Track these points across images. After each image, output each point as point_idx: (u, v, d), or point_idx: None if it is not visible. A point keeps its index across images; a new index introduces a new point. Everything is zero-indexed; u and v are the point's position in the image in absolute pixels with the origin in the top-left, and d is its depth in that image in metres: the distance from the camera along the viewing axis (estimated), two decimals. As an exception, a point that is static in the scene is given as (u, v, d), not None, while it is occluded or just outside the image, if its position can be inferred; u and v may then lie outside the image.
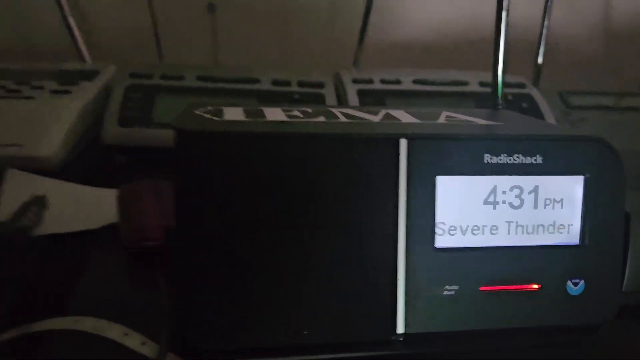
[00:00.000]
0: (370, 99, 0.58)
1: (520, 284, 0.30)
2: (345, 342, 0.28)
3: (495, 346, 0.30)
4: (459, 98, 0.58)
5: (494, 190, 0.29)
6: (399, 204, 0.28)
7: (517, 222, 0.30)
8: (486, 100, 0.58)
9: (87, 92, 0.58)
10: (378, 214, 0.28)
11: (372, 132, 0.28)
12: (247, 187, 0.27)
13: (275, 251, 0.27)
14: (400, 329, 0.29)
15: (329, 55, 0.80)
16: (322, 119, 0.32)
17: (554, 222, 0.30)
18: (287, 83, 0.59)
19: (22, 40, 0.77)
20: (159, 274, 0.35)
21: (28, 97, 0.57)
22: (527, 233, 0.30)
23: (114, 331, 0.27)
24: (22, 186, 0.44)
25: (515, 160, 0.29)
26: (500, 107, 0.44)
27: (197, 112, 0.33)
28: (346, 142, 0.28)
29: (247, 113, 0.33)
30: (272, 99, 0.57)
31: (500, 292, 0.30)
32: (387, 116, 0.34)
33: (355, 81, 0.60)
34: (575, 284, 0.30)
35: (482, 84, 0.60)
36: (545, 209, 0.30)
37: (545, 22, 0.71)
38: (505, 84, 0.46)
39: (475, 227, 0.29)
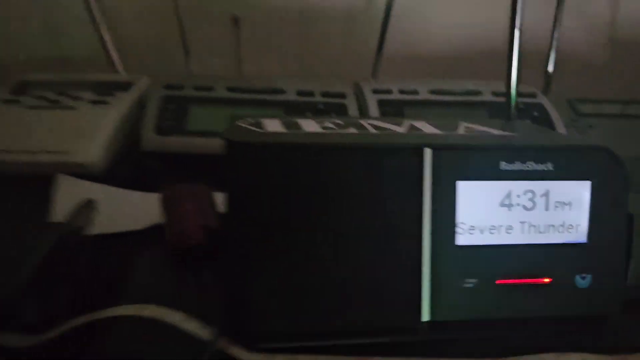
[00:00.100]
0: (390, 108, 0.61)
1: (533, 278, 0.33)
2: (378, 328, 0.32)
3: (510, 334, 0.33)
4: (473, 107, 0.62)
5: (509, 194, 0.33)
6: (424, 206, 0.32)
7: (530, 223, 0.33)
8: (499, 109, 0.61)
9: (123, 102, 0.63)
10: (406, 215, 0.32)
11: (400, 143, 0.32)
12: (291, 190, 0.30)
13: (316, 247, 0.31)
14: (425, 317, 0.32)
15: (346, 66, 0.83)
16: (353, 130, 0.36)
17: (564, 222, 0.33)
18: (311, 94, 0.62)
19: (57, 52, 0.81)
20: (207, 269, 0.39)
21: (69, 107, 0.62)
22: (539, 232, 0.33)
23: (174, 317, 0.31)
24: (73, 190, 0.48)
25: (528, 167, 0.33)
26: (513, 117, 0.48)
27: (241, 124, 0.37)
28: (378, 152, 0.31)
29: (285, 125, 0.37)
30: (298, 109, 0.60)
31: (515, 285, 0.33)
32: (412, 127, 0.38)
33: (375, 91, 0.64)
34: (583, 278, 0.33)
35: (495, 93, 0.63)
36: (556, 211, 0.33)
37: (555, 34, 0.74)
38: (517, 94, 0.49)
39: (492, 227, 0.33)
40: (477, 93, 0.64)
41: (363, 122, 0.39)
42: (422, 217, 0.32)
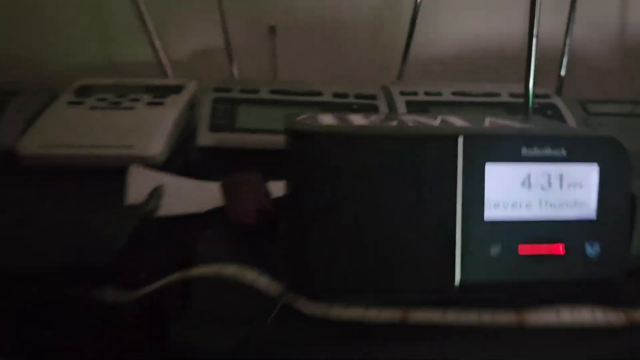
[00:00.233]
0: (416, 108, 0.67)
1: (549, 248, 0.38)
2: (418, 288, 0.37)
3: (529, 295, 0.39)
4: (493, 107, 0.67)
5: (528, 176, 0.38)
6: (457, 185, 0.37)
7: (546, 200, 0.38)
8: (516, 109, 0.66)
9: (177, 103, 0.69)
10: (442, 193, 0.37)
11: (438, 132, 0.38)
12: (350, 171, 0.36)
13: (368, 219, 0.36)
14: (456, 280, 0.38)
15: (372, 71, 0.89)
16: (396, 123, 0.41)
17: (575, 200, 0.38)
18: (346, 95, 0.68)
19: (108, 59, 0.88)
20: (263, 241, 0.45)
21: (128, 108, 0.68)
22: (554, 208, 0.38)
23: (249, 275, 0.37)
24: (144, 179, 0.55)
25: (545, 152, 0.38)
26: (530, 114, 0.53)
27: (299, 119, 0.43)
28: (420, 140, 0.37)
29: (338, 119, 0.42)
30: (334, 109, 0.66)
31: (534, 253, 0.38)
32: (444, 121, 0.43)
33: (402, 93, 0.69)
34: (592, 248, 0.39)
35: (512, 95, 0.68)
36: (568, 190, 0.38)
37: (567, 41, 0.79)
38: (533, 95, 0.55)
39: (514, 203, 0.38)
40: (496, 94, 0.69)
41: (402, 117, 0.45)
42: (455, 195, 0.37)
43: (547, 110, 0.67)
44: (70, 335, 0.37)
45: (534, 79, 0.54)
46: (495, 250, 0.38)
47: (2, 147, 0.62)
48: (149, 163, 0.60)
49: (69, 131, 0.63)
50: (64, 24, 0.86)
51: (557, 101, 0.69)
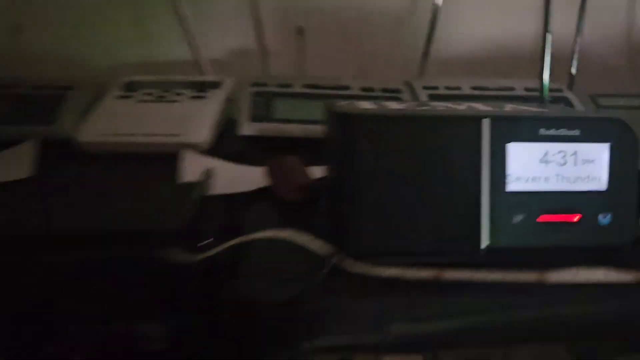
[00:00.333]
0: (438, 101, 0.71)
1: (565, 217, 0.43)
2: (449, 251, 0.42)
3: (548, 259, 0.43)
4: (509, 101, 0.71)
5: (546, 153, 0.42)
6: (483, 160, 0.41)
7: (562, 175, 0.43)
8: (531, 102, 0.70)
9: (217, 97, 0.74)
10: (470, 167, 0.42)
11: (467, 114, 0.42)
12: (392, 147, 0.40)
13: (406, 189, 0.41)
14: (483, 245, 0.42)
15: (393, 69, 0.93)
16: (428, 108, 0.46)
17: (588, 175, 0.43)
18: (372, 89, 0.73)
19: (148, 57, 0.93)
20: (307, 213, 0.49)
21: (174, 101, 0.73)
22: (570, 182, 0.42)
23: (303, 238, 0.41)
24: (194, 162, 0.60)
25: (561, 132, 0.42)
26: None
27: (342, 105, 0.47)
28: (452, 121, 0.41)
29: (375, 104, 0.47)
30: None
31: (551, 221, 0.43)
32: (470, 107, 0.48)
33: (424, 87, 0.74)
34: (604, 217, 0.43)
35: (527, 89, 0.73)
36: (582, 166, 0.43)
37: (578, 40, 0.84)
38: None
39: (534, 178, 0.42)
40: (512, 89, 0.73)
41: (432, 104, 0.50)
42: (481, 169, 0.42)
43: (560, 103, 0.71)
44: (146, 291, 0.42)
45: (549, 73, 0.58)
46: (516, 218, 0.42)
47: (63, 135, 0.67)
48: (196, 149, 0.64)
49: (122, 121, 0.68)
50: (106, 25, 0.91)
51: (569, 95, 0.73)
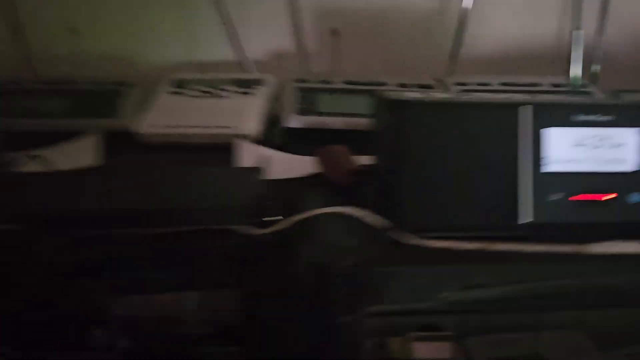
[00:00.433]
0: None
1: (598, 196, 0.46)
2: (493, 226, 0.46)
3: (583, 234, 0.46)
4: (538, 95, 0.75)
5: (581, 137, 0.46)
6: (522, 144, 0.45)
7: (596, 157, 0.46)
8: (559, 96, 0.74)
9: (263, 92, 0.78)
10: (511, 150, 0.45)
11: (508, 101, 0.46)
12: (439, 129, 0.44)
13: (451, 168, 0.45)
14: (522, 220, 0.46)
15: (422, 69, 0.97)
16: (471, 96, 0.50)
17: (620, 157, 0.46)
18: (406, 85, 0.77)
19: (194, 57, 0.98)
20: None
21: (222, 97, 0.78)
22: (603, 164, 0.46)
23: (362, 212, 0.45)
24: (249, 151, 0.64)
25: (594, 118, 0.46)
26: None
27: (391, 94, 0.51)
28: (496, 107, 0.45)
29: (422, 94, 0.51)
30: (398, 96, 0.75)
31: (585, 200, 0.46)
32: (509, 97, 0.52)
33: (455, 84, 0.78)
34: (635, 196, 0.46)
35: (554, 85, 0.76)
36: (614, 149, 0.46)
37: (600, 39, 0.87)
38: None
39: (569, 160, 0.46)
40: (539, 84, 0.77)
41: (472, 94, 0.54)
42: (521, 152, 0.45)
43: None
44: (221, 261, 0.46)
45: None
46: (553, 197, 0.46)
47: (123, 128, 0.72)
48: (246, 140, 0.69)
49: (177, 115, 0.73)
50: (154, 27, 0.96)
51: (594, 89, 0.76)
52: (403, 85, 0.77)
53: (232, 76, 0.84)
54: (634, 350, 0.48)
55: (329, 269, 0.43)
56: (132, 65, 0.96)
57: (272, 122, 0.75)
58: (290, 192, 0.56)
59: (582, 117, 0.46)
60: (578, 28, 0.58)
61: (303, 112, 0.73)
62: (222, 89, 0.79)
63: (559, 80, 0.76)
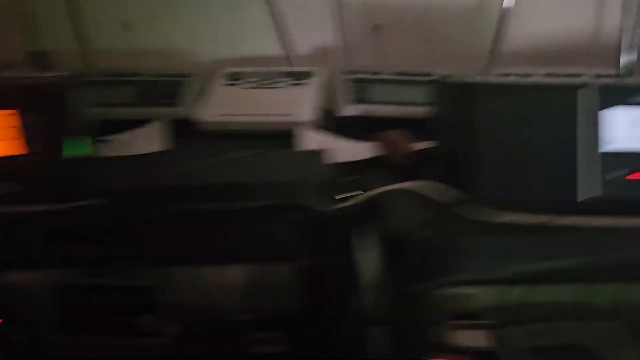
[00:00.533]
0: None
1: (653, 174, 0.49)
2: (550, 202, 0.48)
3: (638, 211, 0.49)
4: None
5: (634, 117, 0.48)
6: (580, 124, 0.48)
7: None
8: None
9: (315, 83, 0.82)
10: (569, 129, 0.48)
11: (567, 83, 0.49)
12: (502, 112, 0.47)
13: (515, 147, 0.48)
14: (580, 197, 0.48)
15: (461, 62, 1.00)
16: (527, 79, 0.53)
17: (674, 138, 0.49)
18: (451, 76, 0.79)
19: (244, 52, 1.02)
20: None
21: (277, 87, 0.81)
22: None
23: (430, 188, 0.49)
24: (310, 137, 0.68)
25: (645, 100, 0.49)
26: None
27: (455, 78, 0.54)
28: (556, 89, 0.48)
29: (484, 77, 0.54)
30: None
31: (640, 179, 0.49)
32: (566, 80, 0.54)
33: (498, 75, 0.80)
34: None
35: (597, 75, 0.78)
36: (668, 130, 0.49)
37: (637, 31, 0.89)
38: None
39: (624, 139, 0.49)
40: (580, 75, 0.79)
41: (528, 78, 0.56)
42: (579, 132, 0.48)
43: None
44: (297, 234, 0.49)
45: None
46: (608, 175, 0.49)
47: (185, 116, 0.76)
48: (303, 128, 0.72)
49: (236, 105, 0.77)
50: (206, 22, 1.00)
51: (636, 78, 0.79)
52: (447, 76, 0.79)
53: (284, 69, 0.87)
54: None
55: (403, 242, 0.46)
56: (184, 59, 1.00)
57: (326, 112, 0.78)
58: (355, 173, 0.60)
59: (636, 99, 0.48)
60: (628, 18, 0.60)
61: (355, 101, 0.76)
62: (276, 81, 0.83)
63: (601, 71, 0.78)
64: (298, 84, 0.81)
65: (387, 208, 0.49)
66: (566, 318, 0.50)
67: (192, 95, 0.81)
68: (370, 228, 0.49)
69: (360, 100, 0.76)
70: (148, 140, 0.70)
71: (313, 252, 0.50)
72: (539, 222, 0.47)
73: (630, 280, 0.49)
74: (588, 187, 0.48)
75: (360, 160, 0.63)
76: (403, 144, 0.62)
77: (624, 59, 0.62)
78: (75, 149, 0.56)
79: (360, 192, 0.52)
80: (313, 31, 0.98)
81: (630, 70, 0.62)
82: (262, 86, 0.82)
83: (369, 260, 0.49)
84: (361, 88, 0.78)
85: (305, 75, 0.85)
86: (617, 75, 0.79)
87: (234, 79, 0.84)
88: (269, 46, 0.98)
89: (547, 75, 0.80)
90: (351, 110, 0.76)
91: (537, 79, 0.58)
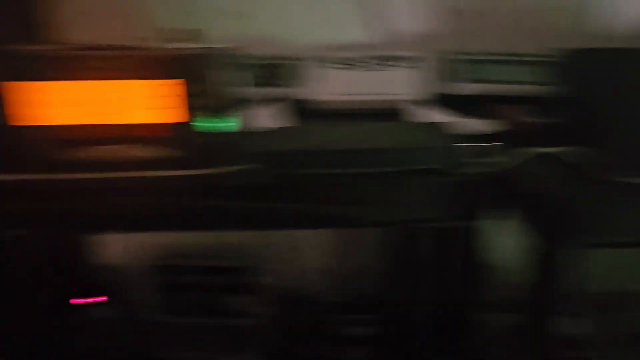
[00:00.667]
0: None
1: None
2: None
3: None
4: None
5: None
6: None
7: None
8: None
9: (416, 65, 0.88)
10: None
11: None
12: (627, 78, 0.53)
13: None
14: None
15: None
16: None
17: None
18: (545, 55, 0.85)
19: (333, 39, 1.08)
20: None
21: (382, 70, 0.88)
22: None
23: (566, 153, 0.55)
24: (423, 113, 0.74)
25: None
26: None
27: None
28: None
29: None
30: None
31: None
32: None
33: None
34: None
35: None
36: None
37: None
38: None
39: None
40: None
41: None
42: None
43: None
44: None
45: None
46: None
47: (304, 96, 0.84)
48: (414, 106, 0.79)
49: (348, 85, 0.84)
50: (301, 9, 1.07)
51: None
52: (542, 55, 0.85)
53: (380, 52, 0.93)
54: None
55: (542, 203, 0.52)
56: (283, 45, 1.06)
57: (437, 91, 0.85)
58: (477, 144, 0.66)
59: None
60: None
61: (455, 79, 0.82)
62: (377, 63, 0.89)
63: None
64: (396, 66, 0.88)
65: (526, 172, 0.55)
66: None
67: (304, 76, 0.89)
68: (508, 191, 0.55)
69: (462, 78, 0.83)
70: (274, 117, 0.78)
71: (450, 214, 0.57)
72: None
73: None
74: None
75: (479, 134, 0.69)
76: (519, 118, 0.68)
77: None
78: (221, 122, 0.63)
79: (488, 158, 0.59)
80: (413, 16, 1.04)
81: None
82: (369, 68, 0.88)
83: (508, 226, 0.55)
84: (462, 66, 0.84)
85: (405, 58, 0.91)
86: None
87: (339, 62, 0.91)
88: (361, 31, 1.04)
89: None
90: (457, 88, 0.82)
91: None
